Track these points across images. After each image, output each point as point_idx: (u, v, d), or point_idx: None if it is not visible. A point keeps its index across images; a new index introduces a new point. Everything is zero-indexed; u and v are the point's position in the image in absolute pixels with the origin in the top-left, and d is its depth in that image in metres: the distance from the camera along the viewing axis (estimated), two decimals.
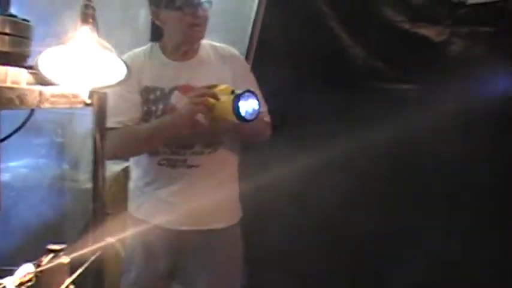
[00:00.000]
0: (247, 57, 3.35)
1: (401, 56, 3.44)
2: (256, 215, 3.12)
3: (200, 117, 2.41)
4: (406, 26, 3.47)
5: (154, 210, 2.68)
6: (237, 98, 2.28)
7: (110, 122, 2.50)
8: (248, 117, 2.29)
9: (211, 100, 2.36)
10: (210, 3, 2.59)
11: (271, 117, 2.84)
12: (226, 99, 2.34)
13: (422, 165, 3.38)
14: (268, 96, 2.81)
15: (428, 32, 3.44)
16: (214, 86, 2.43)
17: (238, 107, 2.26)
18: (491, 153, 3.26)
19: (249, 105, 2.29)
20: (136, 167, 2.75)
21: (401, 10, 3.47)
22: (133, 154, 2.69)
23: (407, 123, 3.13)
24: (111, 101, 2.48)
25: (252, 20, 3.43)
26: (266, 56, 3.45)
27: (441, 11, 3.44)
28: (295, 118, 3.31)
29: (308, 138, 3.20)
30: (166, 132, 2.53)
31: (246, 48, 3.42)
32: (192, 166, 2.63)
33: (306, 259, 3.44)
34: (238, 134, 2.68)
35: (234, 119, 2.30)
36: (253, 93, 2.32)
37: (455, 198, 3.34)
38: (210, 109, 2.36)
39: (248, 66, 2.92)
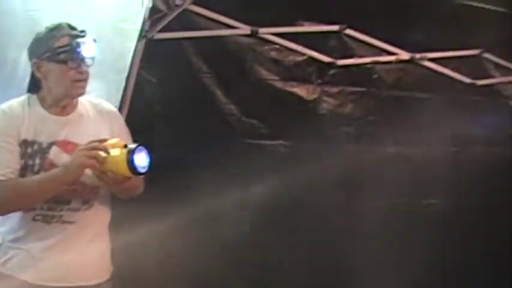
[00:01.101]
0: (120, 110, 3.29)
1: (274, 114, 3.56)
2: (131, 270, 3.06)
3: (88, 171, 2.40)
4: (279, 84, 3.60)
5: (22, 266, 2.55)
6: (132, 151, 2.31)
7: None
8: (142, 170, 2.34)
9: (102, 154, 2.35)
10: (93, 59, 2.57)
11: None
12: (118, 152, 2.35)
13: (298, 215, 3.50)
14: None
15: (300, 90, 3.60)
16: (104, 140, 2.43)
17: (133, 160, 2.30)
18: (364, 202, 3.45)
19: (141, 159, 2.34)
20: (5, 221, 2.62)
21: (274, 69, 3.61)
22: (18, 209, 2.55)
23: (280, 178, 3.23)
24: None
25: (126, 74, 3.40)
26: (140, 110, 3.41)
27: (312, 70, 3.61)
28: (171, 174, 3.28)
29: (184, 193, 3.21)
30: (55, 185, 2.45)
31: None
32: (66, 222, 2.55)
33: None
34: (118, 189, 2.62)
35: (127, 172, 2.33)
36: (144, 147, 2.36)
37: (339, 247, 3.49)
38: (101, 163, 2.35)
39: (123, 121, 2.89)
